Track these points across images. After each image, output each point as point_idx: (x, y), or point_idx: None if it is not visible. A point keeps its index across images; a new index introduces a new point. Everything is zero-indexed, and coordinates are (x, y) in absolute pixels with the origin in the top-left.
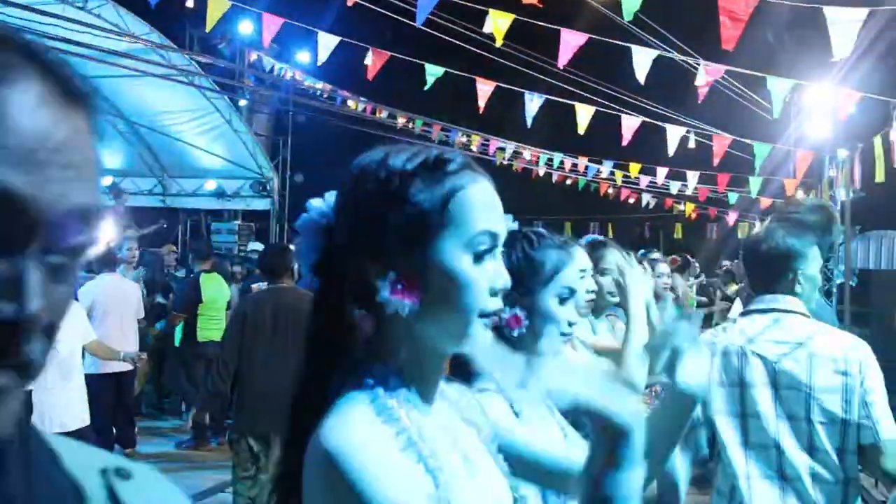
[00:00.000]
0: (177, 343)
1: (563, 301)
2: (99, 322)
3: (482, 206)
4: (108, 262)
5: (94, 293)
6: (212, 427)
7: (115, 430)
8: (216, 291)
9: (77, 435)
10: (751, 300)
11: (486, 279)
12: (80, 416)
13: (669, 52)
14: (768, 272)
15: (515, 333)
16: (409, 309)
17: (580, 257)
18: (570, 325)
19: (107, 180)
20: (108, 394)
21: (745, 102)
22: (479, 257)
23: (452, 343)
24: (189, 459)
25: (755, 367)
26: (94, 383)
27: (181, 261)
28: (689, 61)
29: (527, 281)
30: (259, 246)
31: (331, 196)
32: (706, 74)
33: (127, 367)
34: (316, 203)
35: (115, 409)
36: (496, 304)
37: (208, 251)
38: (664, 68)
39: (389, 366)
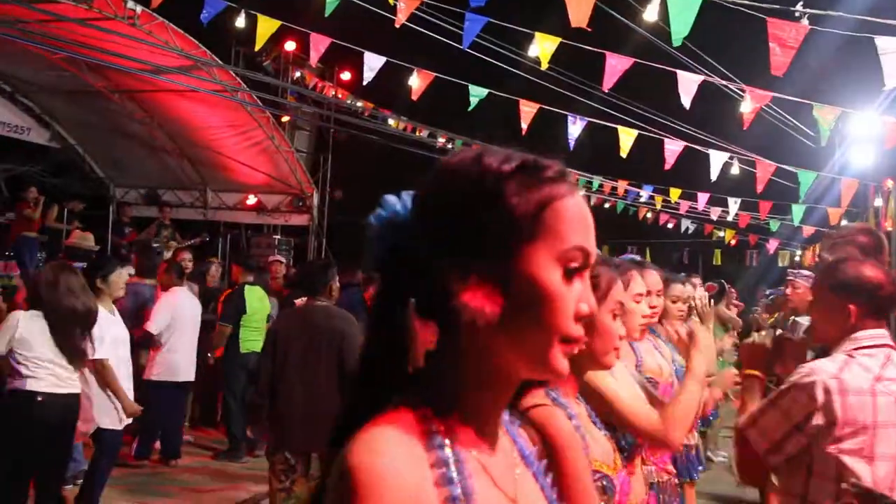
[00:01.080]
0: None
1: (615, 316)
2: (175, 335)
3: (578, 220)
4: (178, 275)
5: (173, 307)
6: (248, 440)
7: (161, 439)
8: (259, 303)
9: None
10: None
11: (574, 300)
12: (121, 417)
13: (715, 77)
14: (875, 306)
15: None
16: (486, 318)
17: (639, 281)
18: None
19: (151, 192)
20: (166, 402)
21: (789, 130)
22: (569, 274)
23: (526, 366)
24: (226, 471)
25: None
26: (157, 390)
27: (224, 274)
28: (735, 87)
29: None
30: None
31: (407, 194)
32: (752, 101)
33: (189, 377)
34: (391, 199)
35: (168, 418)
36: (579, 331)
37: (253, 264)
38: (709, 94)
39: (447, 385)
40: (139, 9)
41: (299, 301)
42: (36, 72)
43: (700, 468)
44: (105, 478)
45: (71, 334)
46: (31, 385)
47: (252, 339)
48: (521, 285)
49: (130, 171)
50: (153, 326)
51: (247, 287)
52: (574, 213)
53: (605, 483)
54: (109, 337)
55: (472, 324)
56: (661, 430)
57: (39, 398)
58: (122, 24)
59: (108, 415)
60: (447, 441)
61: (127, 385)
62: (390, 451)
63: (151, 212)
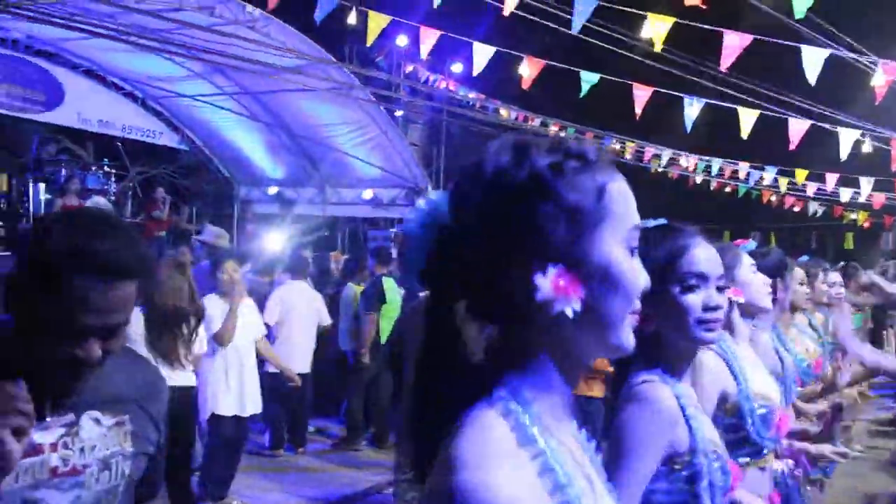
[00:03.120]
0: None
1: (689, 289)
2: (288, 326)
3: (629, 199)
4: (298, 269)
5: (285, 299)
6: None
7: (288, 429)
8: (394, 294)
9: (246, 423)
10: None
11: (639, 276)
12: (242, 404)
13: (843, 50)
14: None
15: (647, 333)
16: (573, 307)
17: (744, 260)
18: (709, 309)
19: (273, 189)
20: (286, 393)
21: None
22: (632, 251)
23: (600, 346)
24: (350, 460)
25: None
26: (275, 380)
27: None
28: (865, 60)
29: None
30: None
31: (440, 195)
32: (884, 73)
33: (305, 369)
34: (422, 203)
35: (291, 408)
36: (639, 304)
37: (389, 256)
38: (836, 68)
39: (522, 376)
40: (257, 12)
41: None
42: (165, 77)
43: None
44: (228, 464)
45: (164, 334)
46: None
47: (388, 329)
48: (599, 271)
49: (254, 170)
50: (265, 317)
51: (384, 278)
52: (625, 193)
53: (721, 464)
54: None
55: (551, 316)
56: None
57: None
58: (242, 29)
59: (223, 402)
60: (536, 430)
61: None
62: (489, 458)
63: (273, 209)
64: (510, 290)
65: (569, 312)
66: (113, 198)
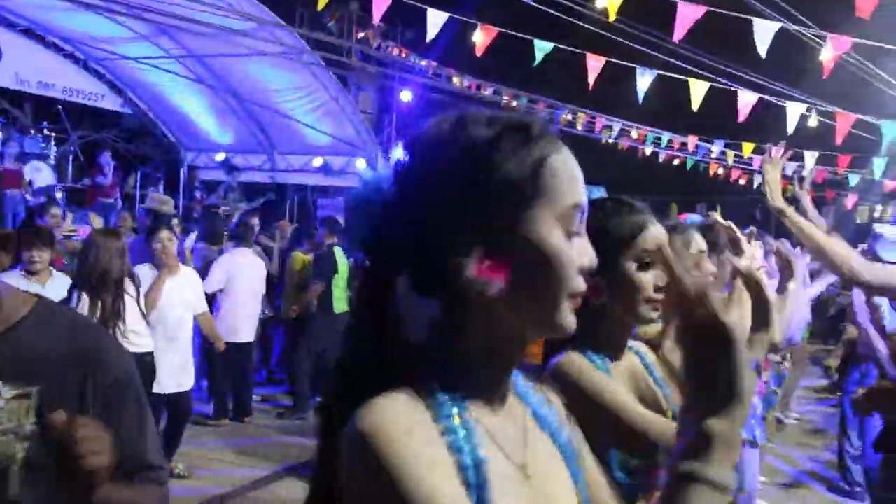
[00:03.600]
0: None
1: (644, 266)
2: (233, 295)
3: (571, 176)
4: (243, 237)
5: (228, 268)
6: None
7: (232, 398)
8: (345, 264)
9: (175, 399)
10: None
11: (577, 255)
12: (178, 381)
13: (792, 25)
14: None
15: (597, 303)
16: (497, 288)
17: (698, 240)
18: (658, 289)
19: (220, 155)
20: (230, 362)
21: (871, 78)
22: (570, 232)
23: (536, 328)
24: (298, 428)
25: None
26: (215, 352)
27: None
28: (815, 34)
29: (603, 248)
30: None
31: (384, 167)
32: (833, 48)
33: (250, 338)
34: (367, 175)
35: (236, 377)
36: (582, 284)
37: (338, 225)
38: (786, 42)
39: (453, 356)
40: None
41: None
42: (107, 38)
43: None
44: (172, 436)
45: (93, 300)
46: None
47: (343, 298)
48: (528, 250)
49: (200, 135)
50: (206, 285)
51: (335, 248)
52: (565, 168)
53: None
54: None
55: (482, 295)
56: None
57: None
58: None
59: (171, 378)
60: (455, 410)
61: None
62: (402, 420)
63: (220, 175)
64: (442, 267)
65: (492, 293)
66: (53, 162)
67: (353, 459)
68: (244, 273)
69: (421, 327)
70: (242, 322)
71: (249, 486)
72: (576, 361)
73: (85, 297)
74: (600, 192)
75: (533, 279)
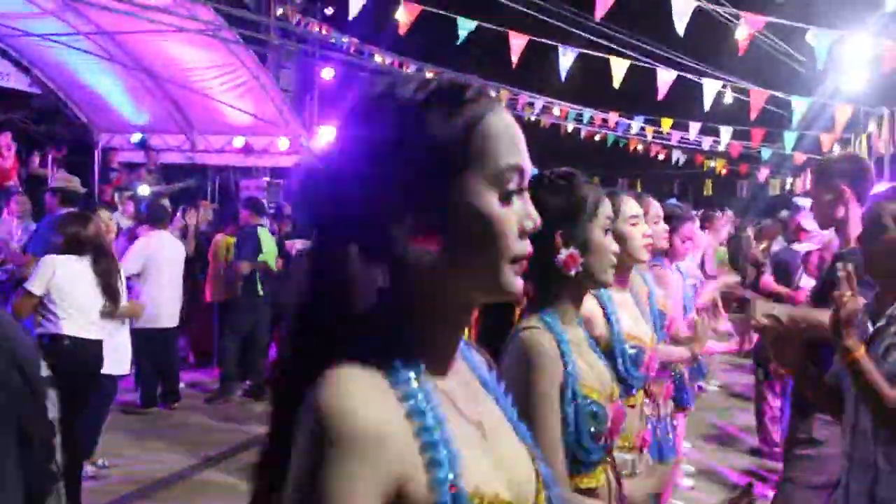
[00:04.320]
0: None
1: (606, 232)
2: (152, 279)
3: (507, 137)
4: (159, 219)
5: (146, 252)
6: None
7: (160, 384)
8: (270, 245)
9: (117, 382)
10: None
11: (516, 219)
12: (124, 365)
13: (708, 3)
14: None
15: (573, 272)
16: (430, 258)
17: (631, 205)
18: (613, 253)
19: (136, 136)
20: (154, 349)
21: (782, 56)
22: (506, 195)
23: (480, 293)
24: (227, 413)
25: None
26: (142, 338)
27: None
28: (730, 13)
29: (577, 217)
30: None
31: (331, 135)
32: (747, 26)
33: (173, 323)
34: (315, 145)
35: (161, 363)
36: (527, 246)
37: (262, 206)
38: (703, 20)
39: (403, 323)
40: None
41: (292, 243)
42: (12, 14)
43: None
44: (94, 422)
45: (114, 277)
46: (63, 328)
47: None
48: (460, 216)
49: (114, 116)
50: (126, 268)
51: (259, 229)
52: (501, 130)
53: (594, 409)
54: None
55: (419, 263)
56: None
57: (66, 342)
58: None
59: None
60: (411, 374)
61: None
62: (358, 391)
63: (138, 156)
64: (381, 235)
65: (429, 260)
66: None
67: (308, 438)
68: (163, 256)
69: (370, 295)
70: (163, 307)
71: (180, 471)
72: (535, 346)
73: None
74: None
75: (468, 245)
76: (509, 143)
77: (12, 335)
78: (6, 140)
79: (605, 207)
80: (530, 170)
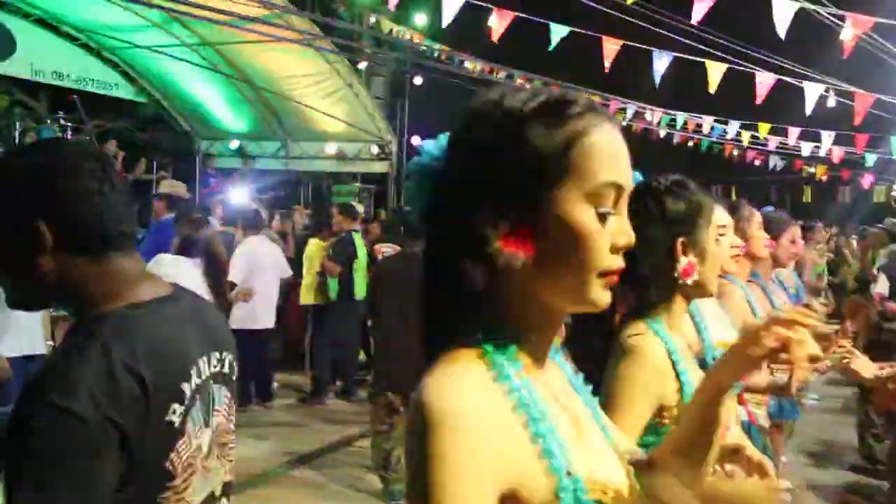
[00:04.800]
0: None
1: (717, 242)
2: (254, 282)
3: (608, 154)
4: (256, 224)
5: (248, 257)
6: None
7: (254, 383)
8: (363, 250)
9: None
10: None
11: (609, 235)
12: None
13: (811, 4)
14: None
15: (689, 282)
16: (520, 262)
17: (719, 213)
18: None
19: (234, 143)
20: (248, 349)
21: (889, 58)
22: (602, 210)
23: (567, 301)
24: (317, 413)
25: None
26: (240, 338)
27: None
28: (834, 14)
29: (697, 225)
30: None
31: (444, 138)
32: (852, 27)
33: (270, 324)
34: (429, 145)
35: (255, 363)
36: (618, 262)
37: (355, 212)
38: (805, 22)
39: (500, 321)
40: None
41: (379, 247)
42: (120, 27)
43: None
44: None
45: (221, 279)
46: None
47: (363, 284)
48: (553, 227)
49: (214, 123)
50: (232, 275)
51: (354, 234)
52: (603, 147)
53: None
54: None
55: (510, 268)
56: None
57: None
58: None
59: None
60: (514, 369)
61: None
62: (462, 388)
63: (235, 163)
64: (477, 236)
65: (517, 265)
66: None
67: (415, 434)
68: (262, 260)
69: (471, 292)
70: (262, 309)
71: (271, 470)
72: (644, 352)
73: None
74: (637, 176)
75: (558, 255)
76: (610, 160)
77: None
78: (112, 148)
79: (717, 216)
80: (630, 185)
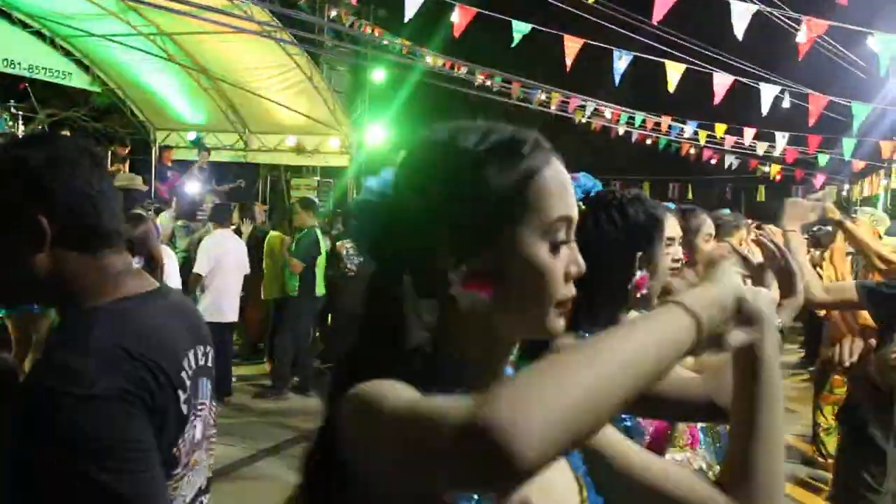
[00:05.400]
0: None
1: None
2: (220, 276)
3: (558, 190)
4: (222, 217)
5: (215, 249)
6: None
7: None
8: (324, 247)
9: None
10: None
11: (563, 266)
12: None
13: (768, 7)
14: None
15: (639, 294)
16: (483, 303)
17: (671, 226)
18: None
19: (191, 135)
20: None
21: (842, 62)
22: (555, 244)
23: (526, 332)
24: (277, 408)
25: None
26: None
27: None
28: (791, 17)
29: (654, 240)
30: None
31: (388, 173)
32: (808, 31)
33: (234, 318)
34: (373, 182)
35: (217, 357)
36: (572, 290)
37: (317, 207)
38: (762, 25)
39: (452, 357)
40: None
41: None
42: (74, 15)
43: None
44: None
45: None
46: None
47: (322, 280)
48: (513, 266)
49: (171, 114)
50: (198, 268)
51: (315, 229)
52: (554, 183)
53: (628, 424)
54: None
55: (469, 306)
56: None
57: None
58: None
59: None
60: None
61: None
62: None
63: (192, 155)
64: (434, 274)
65: (478, 305)
66: None
67: (349, 418)
68: (227, 254)
69: (420, 328)
70: (226, 302)
71: (231, 465)
72: None
73: None
74: (586, 178)
75: (519, 291)
76: (561, 195)
77: None
78: None
79: (665, 227)
80: (576, 217)
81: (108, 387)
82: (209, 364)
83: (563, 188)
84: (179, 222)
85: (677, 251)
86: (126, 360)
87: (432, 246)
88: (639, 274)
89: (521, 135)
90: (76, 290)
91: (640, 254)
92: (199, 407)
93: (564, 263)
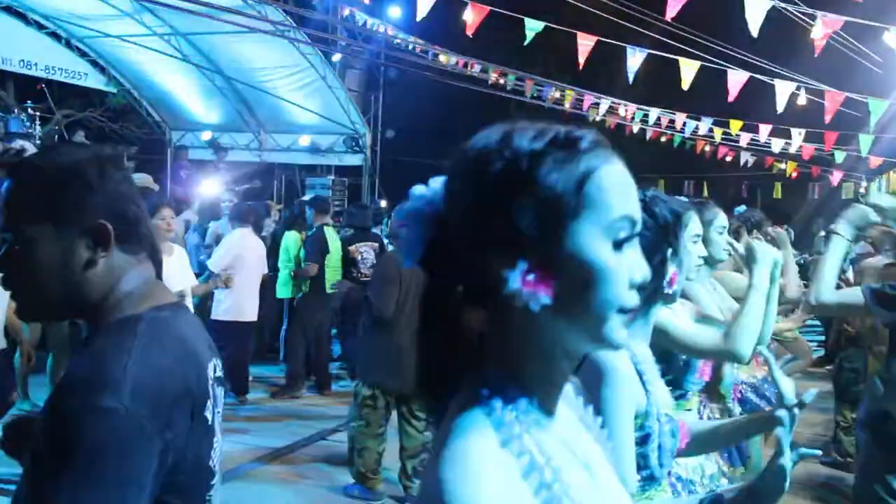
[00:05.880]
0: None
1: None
2: (241, 275)
3: (620, 189)
4: (244, 216)
5: (236, 248)
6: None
7: (230, 378)
8: (336, 244)
9: None
10: None
11: (627, 270)
12: None
13: (783, 3)
14: None
15: (671, 291)
16: (542, 302)
17: (695, 223)
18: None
19: (207, 135)
20: (234, 341)
21: (858, 57)
22: (618, 245)
23: (585, 343)
24: (292, 407)
25: None
26: (222, 329)
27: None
28: (806, 13)
29: (678, 237)
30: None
31: (436, 181)
32: (823, 26)
33: (254, 317)
34: (419, 190)
35: (236, 357)
36: (635, 298)
37: (327, 205)
38: (777, 20)
39: (508, 370)
40: None
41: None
42: (90, 16)
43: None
44: None
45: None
46: None
47: (334, 278)
48: (572, 265)
49: (186, 114)
50: (212, 265)
51: (325, 228)
52: (615, 181)
53: (673, 427)
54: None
55: (527, 308)
56: (726, 345)
57: None
58: None
59: None
60: (522, 428)
61: None
62: (474, 468)
63: (207, 155)
64: (489, 279)
65: (534, 307)
66: (38, 141)
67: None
68: (247, 253)
69: (476, 337)
70: (248, 301)
71: (246, 464)
72: (612, 366)
73: None
74: None
75: (578, 294)
76: (623, 193)
77: None
78: (80, 138)
79: (692, 225)
80: (640, 219)
81: (134, 406)
82: (221, 375)
83: (627, 188)
84: (196, 221)
85: (700, 249)
86: (161, 376)
87: (485, 249)
88: (671, 269)
89: (578, 132)
90: (118, 296)
91: (670, 249)
92: (218, 416)
93: (629, 267)
